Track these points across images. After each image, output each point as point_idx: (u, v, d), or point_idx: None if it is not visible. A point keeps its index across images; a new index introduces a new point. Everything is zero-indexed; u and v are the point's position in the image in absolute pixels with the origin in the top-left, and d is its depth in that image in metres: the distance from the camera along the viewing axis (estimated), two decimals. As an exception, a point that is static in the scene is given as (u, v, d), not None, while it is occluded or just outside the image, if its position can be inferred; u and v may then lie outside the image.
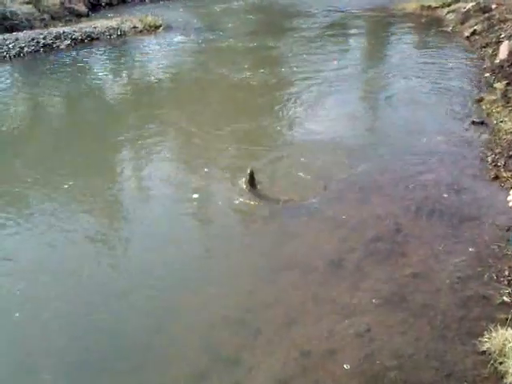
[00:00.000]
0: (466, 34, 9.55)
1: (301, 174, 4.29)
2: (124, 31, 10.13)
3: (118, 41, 9.90)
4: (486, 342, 2.41)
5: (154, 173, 4.57)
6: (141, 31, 10.24)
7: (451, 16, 11.01)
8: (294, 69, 7.37)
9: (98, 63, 8.78)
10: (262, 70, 7.23)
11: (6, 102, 6.87)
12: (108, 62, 8.93)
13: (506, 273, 2.97)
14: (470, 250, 3.19)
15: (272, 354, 2.51)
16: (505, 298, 2.74)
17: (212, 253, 3.39)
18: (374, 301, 2.82)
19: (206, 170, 4.53)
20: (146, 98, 6.73)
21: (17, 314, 2.89)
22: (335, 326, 2.67)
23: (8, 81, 8.04)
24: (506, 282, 2.87)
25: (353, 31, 10.48)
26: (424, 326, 2.64)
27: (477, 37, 9.22)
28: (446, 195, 3.89)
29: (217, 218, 3.81)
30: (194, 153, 4.93)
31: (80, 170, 4.62)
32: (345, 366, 2.42)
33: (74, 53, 9.31)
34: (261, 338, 2.62)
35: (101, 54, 9.30)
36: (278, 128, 5.39)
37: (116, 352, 2.64)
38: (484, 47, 8.49)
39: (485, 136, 4.90)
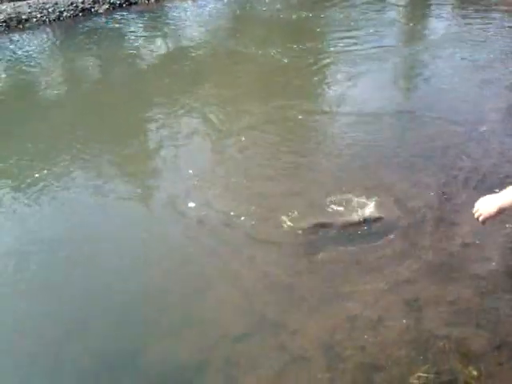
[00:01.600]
0: (514, 0, 9.07)
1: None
2: (160, -5, 10.02)
3: (156, 5, 9.82)
4: (540, 313, 2.34)
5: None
6: (178, -5, 10.11)
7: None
8: (337, 46, 6.93)
9: (135, 29, 8.75)
10: (295, 46, 6.94)
11: (44, 66, 6.94)
12: (144, 28, 8.89)
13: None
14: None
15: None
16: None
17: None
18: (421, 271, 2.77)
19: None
20: (176, 67, 6.69)
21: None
22: (382, 295, 2.64)
23: (47, 44, 8.10)
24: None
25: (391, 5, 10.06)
26: (474, 296, 2.57)
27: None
28: (496, 165, 3.75)
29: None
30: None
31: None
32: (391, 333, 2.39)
33: (112, 17, 9.28)
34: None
35: (138, 19, 9.27)
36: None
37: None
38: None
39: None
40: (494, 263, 2.77)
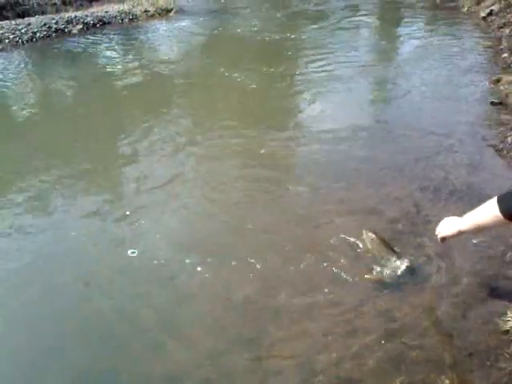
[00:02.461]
0: (483, 14, 9.37)
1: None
2: (136, 15, 10.10)
3: (130, 25, 9.89)
4: (509, 321, 2.38)
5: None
6: (152, 15, 10.19)
7: (467, -4, 10.79)
8: (312, 62, 7.08)
9: (110, 48, 8.76)
10: (270, 69, 6.92)
11: (18, 87, 6.90)
12: (119, 47, 8.92)
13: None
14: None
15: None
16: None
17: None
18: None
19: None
20: (152, 86, 6.71)
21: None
22: (355, 307, 2.66)
23: (21, 65, 8.06)
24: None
25: (366, 13, 10.30)
26: (445, 305, 2.61)
27: (493, 17, 9.04)
28: (464, 176, 3.84)
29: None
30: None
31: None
32: (365, 346, 2.41)
33: (86, 37, 9.31)
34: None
35: (112, 39, 9.30)
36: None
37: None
38: (501, 27, 8.33)
39: (504, 116, 4.82)
40: (464, 273, 2.82)
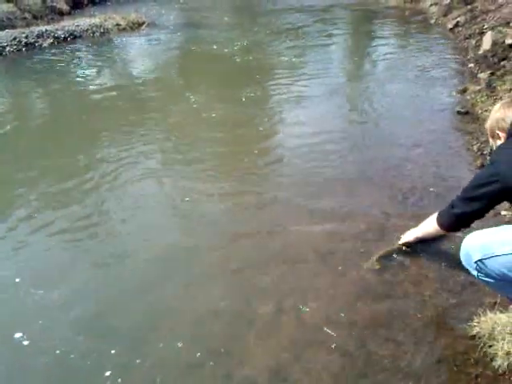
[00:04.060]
0: (450, 25, 9.63)
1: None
2: (107, 29, 10.07)
3: (101, 39, 9.86)
4: (476, 326, 2.42)
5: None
6: (124, 29, 10.18)
7: (434, 8, 11.10)
8: (283, 81, 6.98)
9: (80, 62, 8.70)
10: (239, 91, 6.94)
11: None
12: (89, 61, 8.86)
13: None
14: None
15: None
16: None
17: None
18: (360, 292, 2.83)
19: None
20: (118, 103, 6.62)
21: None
22: (323, 316, 2.68)
23: (-10, 80, 7.94)
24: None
25: (336, 27, 10.48)
26: (418, 311, 2.64)
27: (460, 28, 9.29)
28: (432, 184, 3.91)
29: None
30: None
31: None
32: (335, 355, 2.42)
33: (57, 51, 9.25)
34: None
35: (83, 53, 9.24)
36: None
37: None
38: (467, 38, 8.55)
39: (470, 126, 4.94)
40: (430, 280, 2.87)
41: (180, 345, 2.56)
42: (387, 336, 2.50)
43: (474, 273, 2.23)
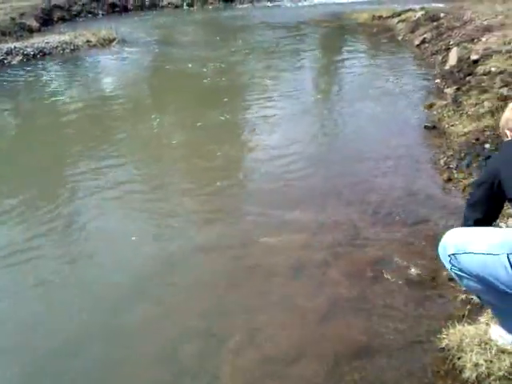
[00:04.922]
0: (417, 42, 9.87)
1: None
2: (77, 46, 10.02)
3: (71, 56, 9.78)
4: (445, 338, 2.44)
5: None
6: (94, 45, 10.13)
7: (401, 25, 11.37)
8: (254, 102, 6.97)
9: (49, 80, 8.62)
10: (207, 110, 6.91)
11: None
12: (59, 78, 8.80)
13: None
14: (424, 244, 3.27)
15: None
16: (461, 297, 2.79)
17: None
18: (331, 307, 2.84)
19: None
20: (86, 121, 6.55)
21: None
22: (292, 329, 2.67)
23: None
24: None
25: (307, 44, 10.65)
26: (387, 324, 2.65)
27: (426, 45, 9.53)
28: (401, 198, 3.96)
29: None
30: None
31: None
32: (306, 369, 2.41)
33: (26, 68, 9.12)
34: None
35: (53, 70, 9.15)
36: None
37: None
38: (434, 54, 8.77)
39: (437, 140, 5.04)
40: (402, 293, 2.89)
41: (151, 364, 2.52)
42: (358, 351, 2.50)
43: (448, 266, 2.21)
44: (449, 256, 2.15)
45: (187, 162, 5.11)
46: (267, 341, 2.62)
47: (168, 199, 4.34)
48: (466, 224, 2.35)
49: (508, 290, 2.00)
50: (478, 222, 2.29)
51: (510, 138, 2.35)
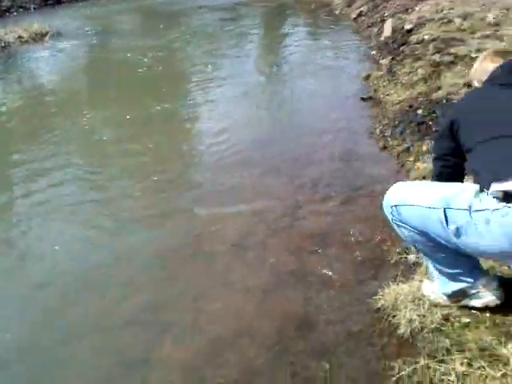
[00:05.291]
0: (353, 15, 9.99)
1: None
2: (8, 42, 9.64)
3: (2, 53, 9.41)
4: (381, 299, 2.53)
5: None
6: (27, 41, 9.78)
7: (338, 0, 11.45)
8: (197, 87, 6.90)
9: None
10: (146, 102, 6.54)
11: None
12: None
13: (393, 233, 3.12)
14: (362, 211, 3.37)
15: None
16: (395, 258, 2.88)
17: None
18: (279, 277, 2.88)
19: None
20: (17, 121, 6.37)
21: None
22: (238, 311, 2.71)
23: None
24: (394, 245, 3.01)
25: (246, 25, 10.61)
26: (326, 293, 2.72)
27: (363, 17, 9.67)
28: (339, 169, 4.04)
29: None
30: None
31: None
32: (250, 347, 2.45)
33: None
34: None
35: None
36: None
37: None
38: (370, 27, 8.91)
39: (373, 110, 5.15)
40: (338, 261, 2.96)
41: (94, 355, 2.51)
42: (299, 322, 2.55)
43: (390, 217, 2.26)
44: (391, 207, 2.20)
45: (120, 158, 4.91)
46: (210, 323, 2.63)
47: (100, 200, 4.16)
48: (432, 162, 2.44)
49: (443, 243, 2.08)
50: (440, 155, 2.34)
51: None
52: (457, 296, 2.29)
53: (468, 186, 2.04)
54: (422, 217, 2.08)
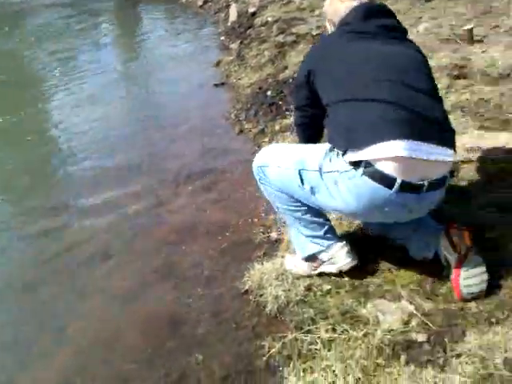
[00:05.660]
0: (200, 2, 9.97)
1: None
2: None
3: None
4: (248, 280, 2.56)
5: None
6: None
7: (182, -11, 11.32)
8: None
9: None
10: None
11: None
12: None
13: (263, 214, 3.19)
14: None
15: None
16: (259, 238, 2.95)
17: None
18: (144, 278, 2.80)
19: None
20: None
21: None
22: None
23: None
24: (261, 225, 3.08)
25: (97, 20, 10.15)
26: (195, 285, 2.69)
27: (209, 4, 9.68)
28: (199, 158, 4.03)
29: None
30: None
31: None
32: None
33: None
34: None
35: None
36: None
37: None
38: (217, 13, 8.97)
39: (227, 95, 5.19)
40: (204, 251, 2.96)
41: None
42: (169, 319, 2.51)
43: (257, 177, 2.30)
44: (257, 168, 2.26)
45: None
46: (77, 338, 2.49)
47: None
48: (296, 122, 2.48)
49: (303, 201, 2.18)
50: (300, 105, 2.34)
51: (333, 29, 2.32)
52: (313, 260, 2.39)
53: (321, 147, 2.11)
54: (282, 178, 2.17)
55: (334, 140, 2.05)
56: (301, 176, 2.08)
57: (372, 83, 1.97)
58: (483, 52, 4.56)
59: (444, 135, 1.97)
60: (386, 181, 1.86)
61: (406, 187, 1.87)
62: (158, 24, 9.37)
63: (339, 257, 2.33)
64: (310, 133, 2.44)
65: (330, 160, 2.01)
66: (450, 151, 1.96)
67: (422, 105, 1.93)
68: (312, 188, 2.07)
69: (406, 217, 2.14)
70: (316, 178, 2.04)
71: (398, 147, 1.83)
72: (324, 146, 2.10)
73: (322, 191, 2.04)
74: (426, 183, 1.90)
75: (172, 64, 6.62)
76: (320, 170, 2.03)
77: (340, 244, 2.35)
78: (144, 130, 4.76)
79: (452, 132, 2.03)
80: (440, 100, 2.08)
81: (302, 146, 2.29)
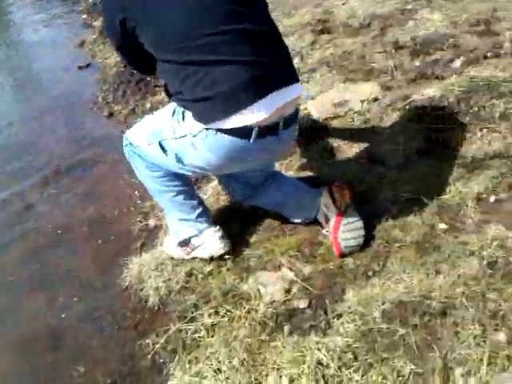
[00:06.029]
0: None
1: None
2: None
3: None
4: (126, 276, 2.42)
5: None
6: None
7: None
8: None
9: None
10: None
11: None
12: None
13: (139, 201, 3.01)
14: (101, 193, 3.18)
15: None
16: (137, 228, 2.79)
17: None
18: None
19: None
20: None
21: None
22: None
23: None
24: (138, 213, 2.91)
25: None
26: (69, 294, 2.49)
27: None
28: (69, 150, 3.74)
29: None
30: None
31: None
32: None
33: None
34: None
35: None
36: None
37: None
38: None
39: (93, 77, 4.86)
40: (79, 257, 2.76)
41: None
42: (47, 334, 2.32)
43: (127, 156, 2.18)
44: (125, 146, 2.15)
45: None
46: None
47: None
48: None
49: (180, 172, 2.07)
50: (119, 50, 2.04)
51: None
52: (186, 245, 2.30)
53: (168, 111, 1.98)
54: (149, 153, 2.05)
55: (185, 106, 1.89)
56: (162, 147, 1.98)
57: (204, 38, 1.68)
58: (344, 4, 4.60)
59: (289, 69, 1.92)
60: (242, 132, 1.79)
61: (264, 132, 1.82)
62: (17, 9, 8.58)
63: (211, 242, 2.26)
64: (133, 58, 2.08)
65: (179, 122, 1.91)
66: (298, 84, 1.92)
67: (265, 51, 1.77)
68: (176, 155, 1.97)
69: (270, 159, 2.25)
70: (175, 145, 1.94)
71: (256, 112, 1.75)
72: (169, 109, 1.99)
73: (186, 155, 1.94)
74: (281, 122, 1.87)
75: (32, 50, 6.11)
76: (174, 135, 1.93)
77: (213, 229, 2.27)
78: (8, 126, 4.33)
79: (290, 59, 1.96)
80: (273, 25, 1.89)
81: (157, 114, 2.14)
